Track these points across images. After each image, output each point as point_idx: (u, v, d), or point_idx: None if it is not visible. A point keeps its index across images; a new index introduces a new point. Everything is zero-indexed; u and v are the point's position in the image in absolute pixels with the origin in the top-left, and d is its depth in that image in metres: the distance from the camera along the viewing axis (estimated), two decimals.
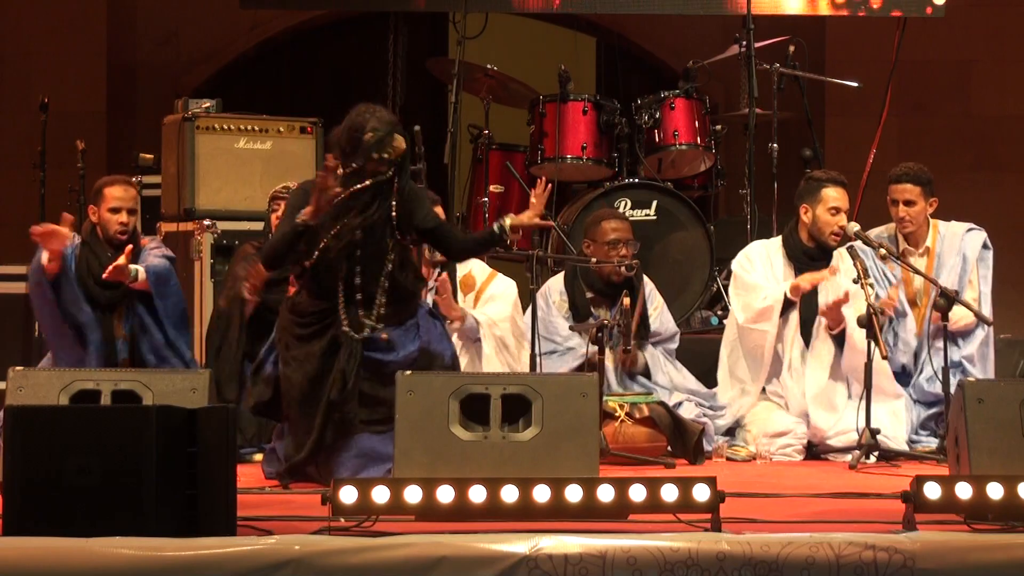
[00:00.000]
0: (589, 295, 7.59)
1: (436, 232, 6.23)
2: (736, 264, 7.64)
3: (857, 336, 7.02)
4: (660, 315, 7.68)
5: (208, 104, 8.48)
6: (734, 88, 9.75)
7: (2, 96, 11.02)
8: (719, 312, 8.53)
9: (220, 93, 9.19)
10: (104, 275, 6.99)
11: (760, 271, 7.55)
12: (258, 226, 7.70)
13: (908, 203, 7.45)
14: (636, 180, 8.67)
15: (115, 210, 7.20)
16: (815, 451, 7.27)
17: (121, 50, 11.44)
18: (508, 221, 6.24)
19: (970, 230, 7.58)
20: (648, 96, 8.85)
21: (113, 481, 4.49)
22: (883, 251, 7.13)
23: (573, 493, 4.67)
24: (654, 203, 8.61)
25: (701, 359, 7.79)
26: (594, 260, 7.43)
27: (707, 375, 7.67)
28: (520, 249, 8.44)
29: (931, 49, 10.90)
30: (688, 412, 7.29)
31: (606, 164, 8.76)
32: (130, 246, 7.10)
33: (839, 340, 7.27)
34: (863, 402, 6.84)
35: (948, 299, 6.91)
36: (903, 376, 7.45)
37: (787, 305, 7.39)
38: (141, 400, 5.26)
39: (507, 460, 5.04)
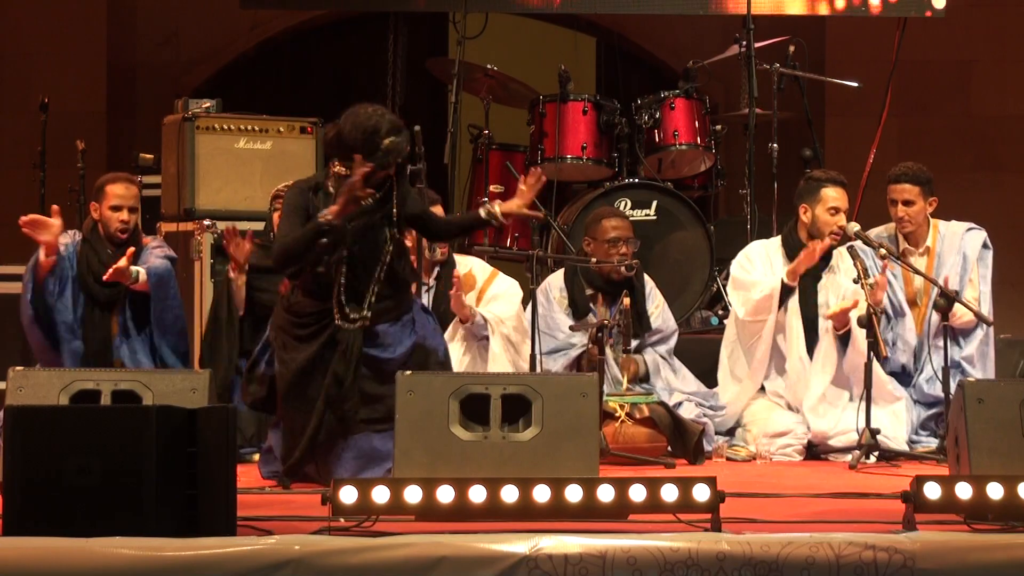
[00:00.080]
0: (589, 292, 7.59)
1: (421, 217, 6.27)
2: (735, 265, 7.64)
3: (860, 336, 7.03)
4: (661, 313, 7.69)
5: (208, 104, 8.48)
6: (734, 88, 9.75)
7: (2, 96, 11.01)
8: (719, 312, 8.53)
9: (220, 93, 9.18)
10: (105, 276, 7.00)
11: (760, 270, 7.55)
12: (258, 226, 7.69)
13: (907, 203, 7.45)
14: (636, 180, 8.67)
15: (116, 208, 7.22)
16: (815, 451, 7.27)
17: (121, 50, 11.44)
18: (498, 208, 6.25)
19: (970, 229, 7.59)
20: (648, 96, 8.85)
21: (113, 481, 4.49)
22: (883, 251, 7.14)
23: (573, 493, 4.67)
24: (654, 203, 8.61)
25: (701, 359, 7.79)
26: (594, 260, 7.44)
27: (707, 375, 7.67)
28: (520, 249, 8.45)
29: (931, 49, 10.90)
30: (688, 412, 7.29)
31: (606, 164, 8.76)
32: (132, 248, 7.11)
33: (843, 341, 7.27)
34: (863, 402, 6.84)
35: (948, 299, 6.91)
36: (903, 376, 7.46)
37: (786, 294, 7.39)
38: (141, 400, 5.25)
39: (507, 460, 5.05)
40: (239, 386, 6.59)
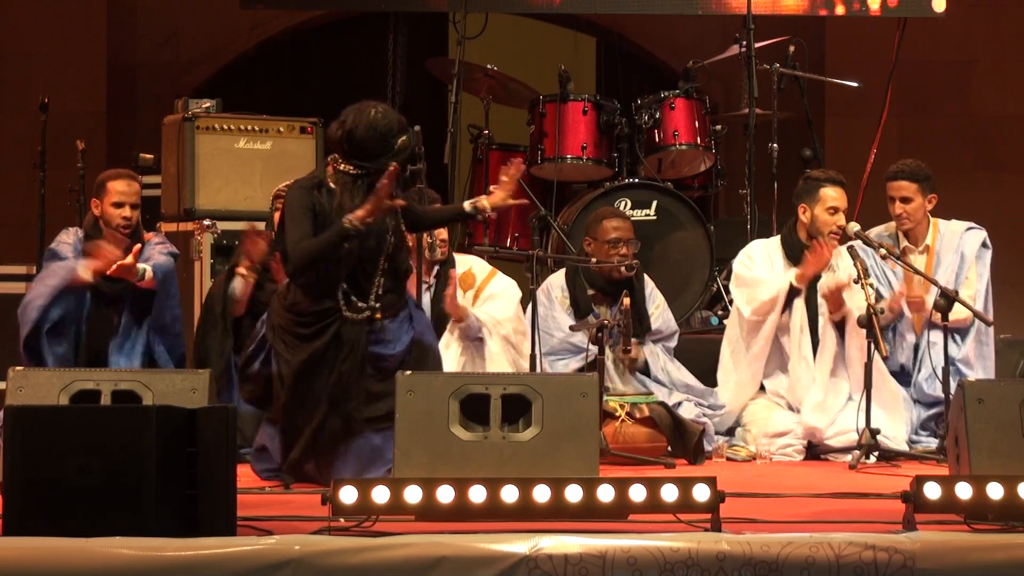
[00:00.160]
0: (590, 292, 7.59)
1: (407, 207, 6.25)
2: (737, 263, 7.64)
3: (857, 329, 7.04)
4: (662, 314, 7.69)
5: (208, 104, 8.48)
6: (734, 88, 9.76)
7: (2, 96, 11.02)
8: (719, 312, 8.53)
9: (220, 93, 9.19)
10: (109, 272, 6.98)
11: (761, 268, 7.55)
12: (258, 226, 7.69)
13: (905, 200, 7.46)
14: (636, 180, 8.67)
15: (118, 204, 7.22)
16: (815, 451, 7.27)
17: (121, 50, 11.44)
18: (486, 202, 6.24)
19: (969, 229, 7.60)
20: (648, 96, 8.85)
21: (113, 481, 4.49)
22: (883, 251, 7.15)
23: (573, 493, 4.67)
24: (654, 203, 8.61)
25: (701, 359, 7.79)
26: (594, 260, 7.44)
27: (707, 375, 7.67)
28: (520, 249, 8.45)
29: (931, 49, 10.90)
30: (688, 412, 7.29)
31: (606, 164, 8.76)
32: (138, 245, 7.10)
33: (841, 336, 7.28)
34: (863, 402, 6.84)
35: (948, 299, 6.92)
36: (903, 376, 7.46)
37: (792, 296, 7.39)
38: (141, 400, 5.25)
39: (507, 460, 5.04)
40: (235, 385, 6.58)
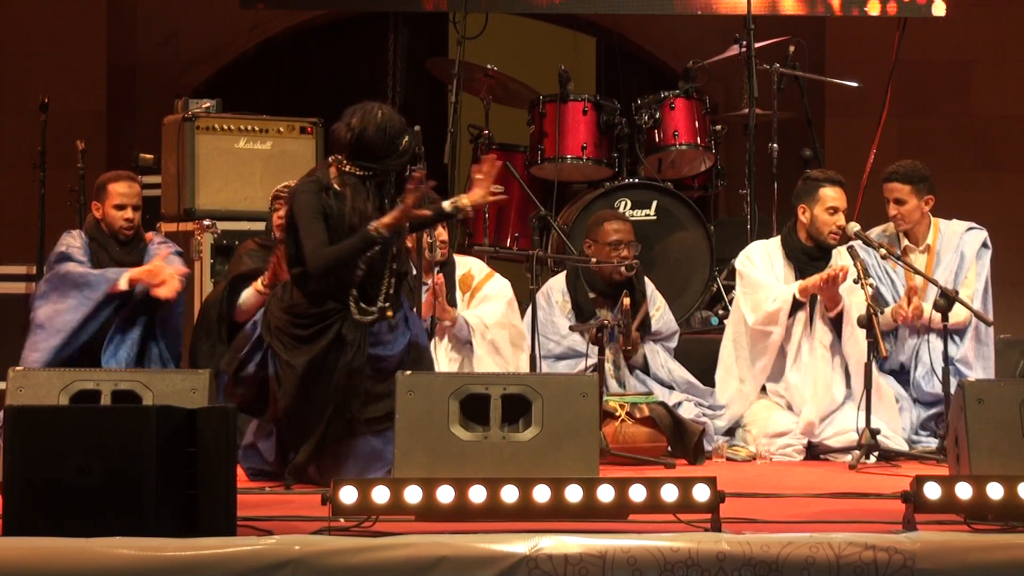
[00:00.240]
0: (591, 295, 7.59)
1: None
2: (740, 263, 7.62)
3: (854, 326, 7.04)
4: (662, 315, 7.69)
5: (208, 104, 8.48)
6: (734, 88, 9.76)
7: (2, 96, 11.02)
8: (719, 312, 8.53)
9: (220, 93, 9.19)
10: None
11: (762, 270, 7.54)
12: (259, 226, 7.70)
13: (899, 201, 7.47)
14: (636, 180, 8.67)
15: (120, 207, 7.24)
16: (815, 451, 7.27)
17: (121, 50, 11.44)
18: (466, 200, 6.22)
19: (970, 229, 7.59)
20: (648, 96, 8.85)
21: (113, 481, 4.49)
22: (883, 251, 7.15)
23: (573, 493, 4.67)
24: (654, 203, 8.61)
25: (701, 359, 7.79)
26: (594, 260, 7.43)
27: (707, 375, 7.66)
28: (520, 249, 8.45)
29: (931, 49, 10.90)
30: (688, 412, 7.29)
31: (606, 164, 8.76)
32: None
33: (839, 336, 7.28)
34: (863, 402, 6.84)
35: (948, 299, 6.92)
36: (902, 375, 7.46)
37: (795, 305, 7.38)
38: (141, 400, 5.25)
39: (507, 460, 5.04)
40: (220, 391, 6.53)
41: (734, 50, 8.84)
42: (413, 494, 4.67)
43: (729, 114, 9.43)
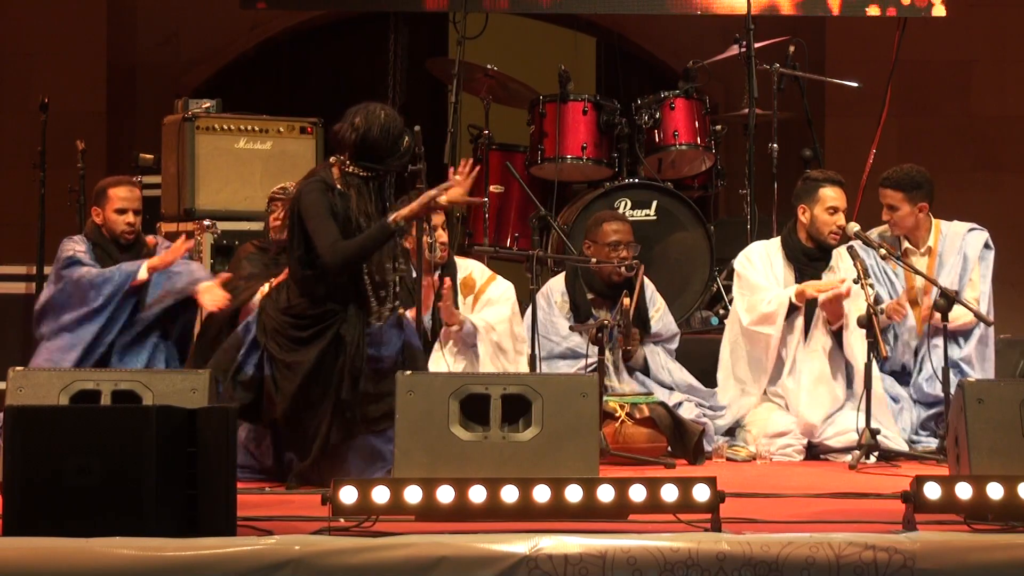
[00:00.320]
0: (590, 296, 7.59)
1: None
2: (738, 264, 7.63)
3: (856, 334, 7.04)
4: (662, 316, 7.69)
5: (208, 104, 8.48)
6: (734, 88, 9.75)
7: (2, 96, 11.02)
8: (719, 312, 8.53)
9: (220, 93, 9.19)
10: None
11: (761, 271, 7.54)
12: (259, 226, 7.70)
13: (891, 207, 7.48)
14: (636, 180, 8.67)
15: (121, 211, 7.25)
16: (815, 451, 7.27)
17: (121, 50, 11.44)
18: (443, 198, 6.22)
19: (972, 230, 7.60)
20: (648, 96, 8.85)
21: (113, 481, 4.49)
22: (883, 251, 7.15)
23: (573, 493, 4.67)
24: (654, 203, 8.61)
25: (701, 359, 7.79)
26: (594, 260, 7.43)
27: (707, 375, 7.67)
28: (520, 249, 8.45)
29: (931, 49, 10.90)
30: (688, 412, 7.29)
31: (606, 164, 8.76)
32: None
33: (837, 336, 7.28)
34: (863, 402, 6.84)
35: (948, 299, 6.92)
36: (903, 376, 7.46)
37: (792, 309, 7.38)
38: (141, 400, 5.25)
39: (507, 460, 5.04)
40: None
41: (734, 50, 8.84)
42: (413, 494, 4.67)
43: (729, 114, 9.43)
